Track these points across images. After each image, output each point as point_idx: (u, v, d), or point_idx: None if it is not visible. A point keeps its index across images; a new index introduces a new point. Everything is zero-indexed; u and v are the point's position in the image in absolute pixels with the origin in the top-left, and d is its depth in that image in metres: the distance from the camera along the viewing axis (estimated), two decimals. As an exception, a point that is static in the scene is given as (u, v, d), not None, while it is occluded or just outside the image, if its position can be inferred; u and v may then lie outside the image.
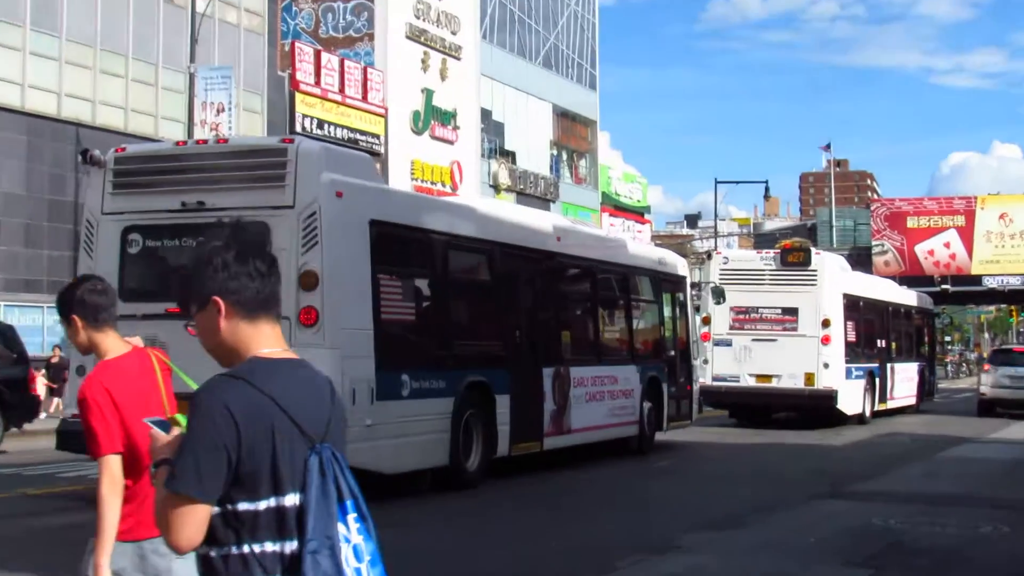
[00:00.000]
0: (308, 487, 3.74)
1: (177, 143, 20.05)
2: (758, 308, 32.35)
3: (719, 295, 30.86)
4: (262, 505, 3.74)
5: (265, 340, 3.93)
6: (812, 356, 32.15)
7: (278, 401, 3.75)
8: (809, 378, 32.18)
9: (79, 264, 17.50)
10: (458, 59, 61.68)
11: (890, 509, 17.28)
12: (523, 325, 21.15)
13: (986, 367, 42.57)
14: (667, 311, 27.58)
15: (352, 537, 3.79)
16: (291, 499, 3.75)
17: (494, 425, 19.40)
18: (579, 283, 24.25)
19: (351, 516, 3.79)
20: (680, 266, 28.70)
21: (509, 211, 24.39)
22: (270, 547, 3.74)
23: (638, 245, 29.68)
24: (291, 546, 3.73)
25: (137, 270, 17.06)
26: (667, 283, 27.53)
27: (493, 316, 20.65)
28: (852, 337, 34.20)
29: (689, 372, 28.28)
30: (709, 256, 34.14)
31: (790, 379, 32.29)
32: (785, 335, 32.56)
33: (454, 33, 61.41)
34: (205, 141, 19.18)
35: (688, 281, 28.80)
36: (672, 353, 27.37)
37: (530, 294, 21.63)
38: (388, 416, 16.59)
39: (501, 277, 20.65)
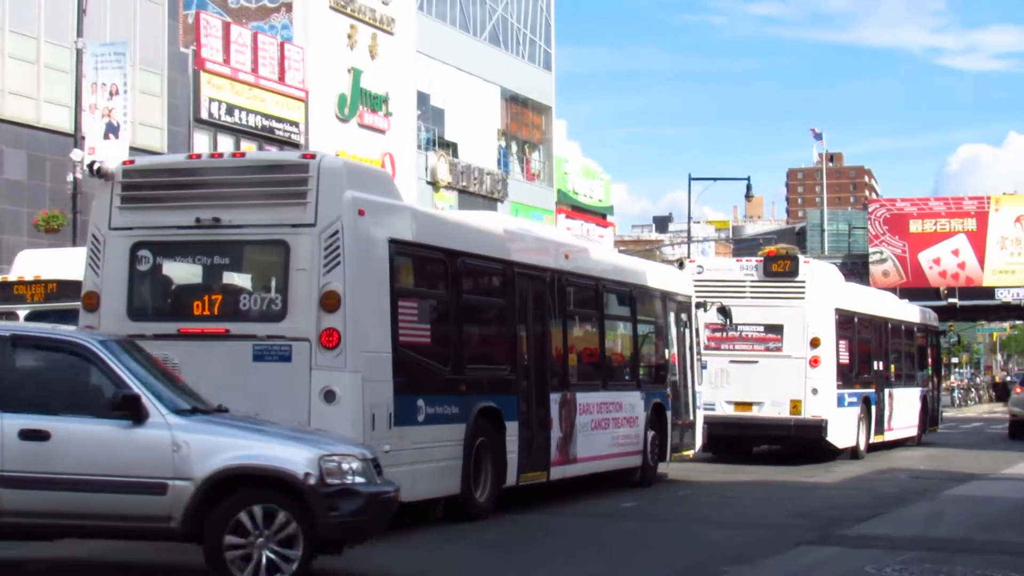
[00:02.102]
0: None
1: (190, 155, 21.71)
2: (737, 325, 32.44)
3: (726, 315, 31.10)
4: None
5: None
6: (799, 380, 32.32)
7: None
8: (795, 406, 32.35)
9: (84, 281, 18.39)
10: (391, 34, 61.76)
11: (887, 556, 17.39)
12: (531, 347, 22.37)
13: (1018, 389, 50.73)
14: (672, 332, 28.83)
15: None
16: None
17: (503, 453, 20.84)
18: (585, 303, 25.42)
19: None
20: (686, 284, 29.97)
21: (518, 226, 25.68)
22: None
23: (644, 262, 30.85)
24: None
25: (147, 288, 18.31)
26: (672, 303, 28.89)
27: (503, 338, 21.99)
28: (845, 359, 34.42)
29: (693, 398, 29.46)
30: (681, 265, 34.32)
31: (773, 407, 32.46)
32: (768, 356, 32.74)
33: (386, 3, 61.46)
34: (221, 154, 21.17)
35: (694, 300, 29.91)
36: (676, 378, 28.69)
37: (537, 314, 22.79)
38: (405, 442, 17.92)
39: (511, 297, 22.03)
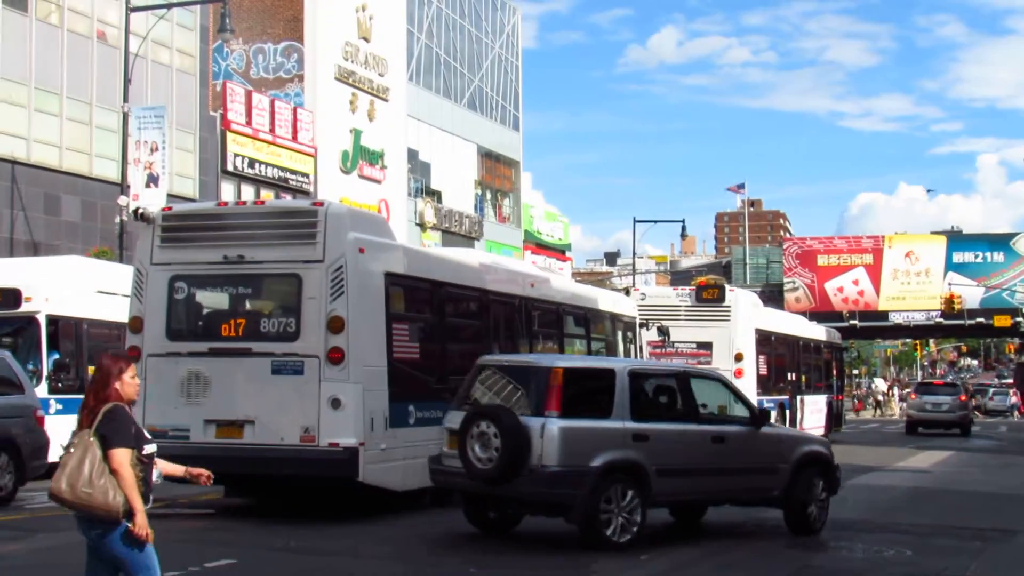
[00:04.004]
0: None
1: (219, 203, 22.04)
2: (674, 342, 32.49)
3: (664, 333, 31.25)
4: None
5: None
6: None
7: None
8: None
9: (130, 308, 18.64)
10: (386, 100, 61.86)
11: (798, 536, 17.47)
12: None
13: (913, 395, 57.06)
14: (620, 348, 28.96)
15: None
16: None
17: None
18: (548, 324, 25.51)
19: None
20: (631, 307, 30.06)
21: (492, 260, 25.98)
22: None
23: (596, 290, 30.81)
24: None
25: (183, 314, 18.49)
26: (620, 322, 29.01)
27: (480, 352, 21.72)
28: (764, 370, 34.52)
29: None
30: (627, 293, 34.38)
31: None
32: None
33: (382, 75, 61.56)
34: (244, 202, 22.02)
35: (638, 321, 30.05)
36: None
37: (508, 333, 22.97)
38: (399, 441, 18.08)
39: (487, 319, 22.23)
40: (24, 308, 24.32)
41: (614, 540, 15.15)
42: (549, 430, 14.85)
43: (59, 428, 23.21)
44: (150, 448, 8.62)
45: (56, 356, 24.66)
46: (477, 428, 15.13)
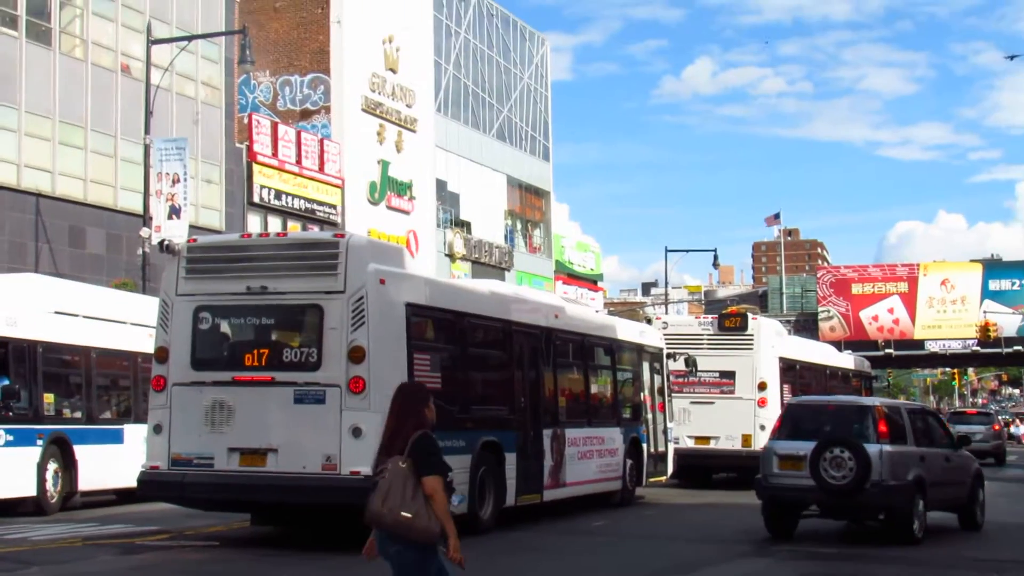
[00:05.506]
0: None
1: (242, 235, 22.50)
2: (696, 371, 32.20)
3: (692, 365, 31.25)
4: None
5: None
6: (749, 418, 32.12)
7: None
8: (746, 439, 32.12)
9: (156, 338, 18.87)
10: (413, 131, 61.88)
11: (810, 566, 17.24)
12: (526, 391, 22.77)
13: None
14: (646, 378, 29.23)
15: None
16: None
17: (503, 479, 21.26)
18: (572, 354, 25.82)
19: None
20: (657, 338, 30.34)
21: (515, 292, 26.35)
22: None
23: (622, 321, 30.76)
24: None
25: (207, 344, 18.65)
26: (646, 353, 29.30)
27: (502, 383, 22.37)
28: (789, 399, 34.12)
29: (665, 433, 29.83)
30: (650, 322, 34.15)
31: (728, 440, 32.27)
32: (722, 397, 32.57)
33: (409, 106, 61.62)
34: (267, 234, 22.50)
35: (664, 352, 30.26)
36: (651, 416, 29.09)
37: (532, 364, 23.22)
38: None
39: (509, 349, 22.47)
40: None
41: (917, 536, 20.09)
42: (885, 453, 19.74)
43: (8, 462, 22.62)
44: (451, 475, 9.11)
45: (5, 382, 22.85)
46: (831, 453, 19.55)
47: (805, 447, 19.96)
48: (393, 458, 8.76)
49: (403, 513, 8.56)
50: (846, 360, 43.77)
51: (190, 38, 43.20)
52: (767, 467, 20.69)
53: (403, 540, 8.63)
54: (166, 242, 19.33)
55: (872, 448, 19.62)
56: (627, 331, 29.08)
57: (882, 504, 19.99)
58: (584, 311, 29.24)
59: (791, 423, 21.15)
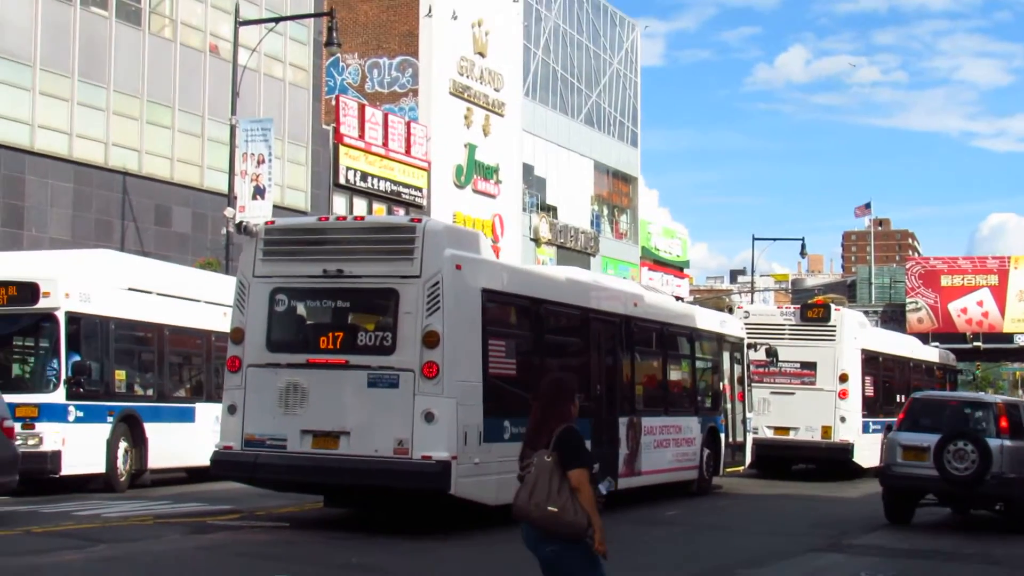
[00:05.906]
0: None
1: (320, 218, 21.74)
2: (777, 362, 31.86)
3: (774, 355, 31.11)
4: None
5: None
6: (829, 410, 31.82)
7: None
8: (826, 431, 31.84)
9: (232, 319, 18.97)
10: (501, 115, 61.81)
11: (883, 563, 17.01)
12: (603, 379, 22.66)
13: None
14: (726, 367, 29.02)
15: None
16: None
17: None
18: (650, 343, 25.68)
19: None
20: (739, 328, 30.11)
21: (593, 279, 26.10)
22: None
23: (703, 310, 30.67)
24: None
25: (282, 325, 18.74)
26: (727, 343, 29.11)
27: (578, 370, 21.90)
28: (870, 392, 33.78)
29: (744, 423, 29.59)
30: (731, 311, 33.84)
31: (807, 432, 32.00)
32: (803, 388, 32.28)
33: (497, 90, 61.54)
34: (344, 217, 22.15)
35: (745, 341, 30.05)
36: (729, 406, 28.87)
37: (609, 352, 23.09)
38: (493, 456, 17.98)
39: (586, 337, 22.33)
40: (41, 304, 22.38)
41: None
42: (1006, 448, 20.90)
43: (79, 439, 22.57)
44: (595, 466, 9.14)
45: (76, 358, 22.61)
46: (954, 446, 20.64)
47: (929, 439, 21.10)
48: (539, 452, 8.72)
49: (550, 507, 8.54)
50: (930, 353, 43.21)
51: (278, 19, 43.36)
52: (891, 457, 21.90)
53: (555, 537, 8.61)
54: (244, 223, 19.37)
55: (994, 442, 20.82)
56: (708, 320, 28.88)
57: (1001, 495, 21.28)
58: (664, 299, 28.95)
59: (914, 416, 22.22)
